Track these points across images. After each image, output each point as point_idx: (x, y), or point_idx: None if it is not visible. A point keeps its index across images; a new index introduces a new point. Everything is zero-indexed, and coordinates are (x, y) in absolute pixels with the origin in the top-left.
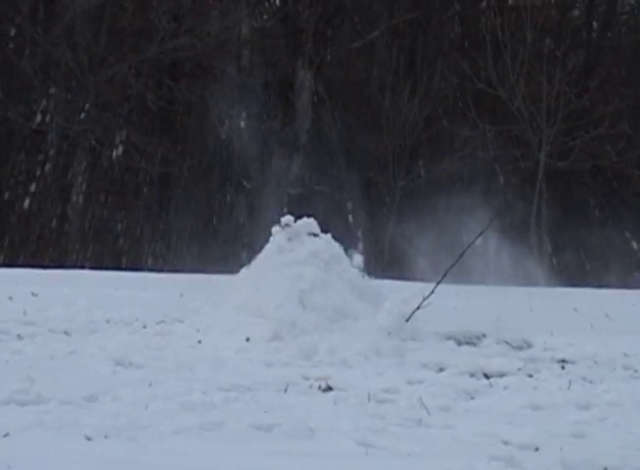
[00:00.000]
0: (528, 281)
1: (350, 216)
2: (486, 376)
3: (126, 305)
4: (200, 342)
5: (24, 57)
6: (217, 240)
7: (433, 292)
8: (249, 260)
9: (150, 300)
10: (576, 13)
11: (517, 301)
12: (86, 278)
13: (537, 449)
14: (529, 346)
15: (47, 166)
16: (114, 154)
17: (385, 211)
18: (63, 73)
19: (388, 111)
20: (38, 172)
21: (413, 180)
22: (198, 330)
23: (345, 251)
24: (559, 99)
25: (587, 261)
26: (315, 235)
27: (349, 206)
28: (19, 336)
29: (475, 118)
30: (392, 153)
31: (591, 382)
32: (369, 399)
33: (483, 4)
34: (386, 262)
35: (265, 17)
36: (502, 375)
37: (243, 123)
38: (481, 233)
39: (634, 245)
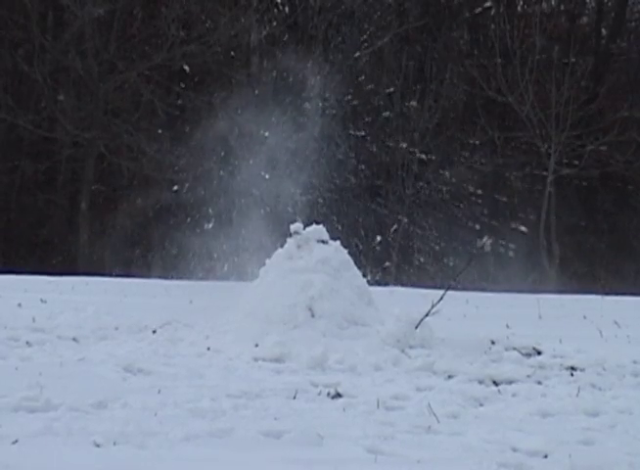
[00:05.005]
0: (538, 287)
1: (359, 222)
2: (495, 383)
3: (135, 311)
4: (209, 348)
5: (34, 64)
6: (229, 247)
7: (441, 299)
8: (258, 268)
9: (159, 306)
10: (585, 20)
11: (526, 308)
12: (95, 285)
13: (546, 456)
14: (538, 353)
15: (56, 173)
16: (123, 161)
17: (393, 219)
18: (72, 80)
19: (397, 118)
20: (47, 179)
21: (422, 187)
22: (207, 337)
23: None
24: (568, 106)
25: (596, 268)
26: (324, 242)
27: (358, 212)
28: (28, 343)
29: (484, 125)
30: (402, 160)
31: (600, 389)
32: (378, 406)
33: (493, 11)
34: (395, 269)
35: (274, 24)
36: (511, 382)
37: (252, 130)
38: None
39: None
